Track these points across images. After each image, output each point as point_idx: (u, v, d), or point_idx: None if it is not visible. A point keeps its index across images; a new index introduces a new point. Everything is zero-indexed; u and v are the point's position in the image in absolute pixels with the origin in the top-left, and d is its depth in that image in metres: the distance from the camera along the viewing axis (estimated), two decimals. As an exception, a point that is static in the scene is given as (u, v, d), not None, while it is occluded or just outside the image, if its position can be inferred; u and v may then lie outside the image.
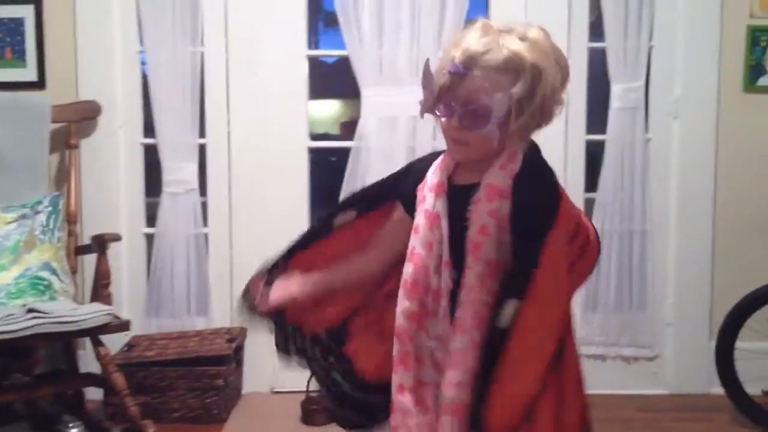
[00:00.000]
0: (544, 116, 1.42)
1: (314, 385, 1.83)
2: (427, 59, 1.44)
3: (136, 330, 3.18)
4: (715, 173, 3.25)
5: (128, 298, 3.33)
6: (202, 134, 3.29)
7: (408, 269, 1.52)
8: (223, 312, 3.32)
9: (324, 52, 4.50)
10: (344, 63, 3.28)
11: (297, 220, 3.31)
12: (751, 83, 3.23)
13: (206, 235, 3.32)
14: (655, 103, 3.28)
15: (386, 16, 3.18)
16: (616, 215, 3.25)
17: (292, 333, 1.78)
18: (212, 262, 3.32)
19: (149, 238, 3.35)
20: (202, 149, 3.30)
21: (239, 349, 3.24)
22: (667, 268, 3.29)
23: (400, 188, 1.61)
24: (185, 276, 3.28)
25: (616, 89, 3.22)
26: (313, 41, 5.36)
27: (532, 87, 1.36)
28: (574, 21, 3.24)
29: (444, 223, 1.47)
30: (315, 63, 3.47)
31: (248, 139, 3.28)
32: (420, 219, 1.51)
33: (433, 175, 1.53)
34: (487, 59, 1.36)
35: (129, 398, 2.72)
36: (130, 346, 3.14)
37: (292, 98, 3.30)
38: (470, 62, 1.36)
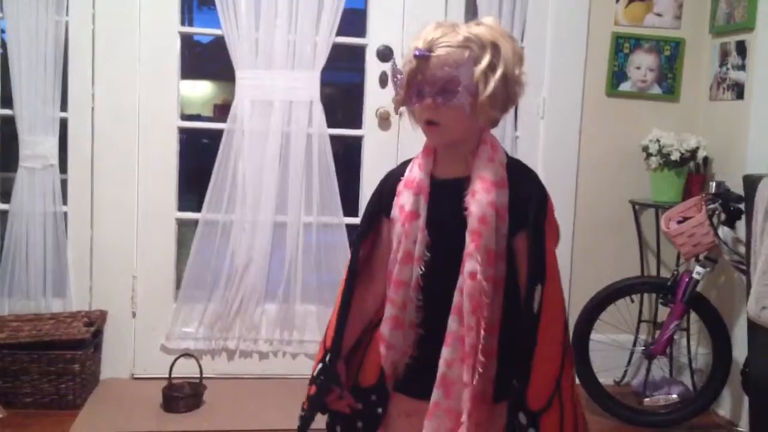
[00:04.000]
0: (508, 95, 1.50)
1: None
2: (393, 59, 1.54)
3: (-15, 311, 3.03)
4: (577, 173, 3.40)
5: (-23, 277, 3.16)
6: (64, 108, 3.14)
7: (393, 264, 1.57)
8: (81, 295, 3.20)
9: (198, 30, 4.37)
10: (219, 44, 3.21)
11: (164, 202, 3.24)
12: (613, 88, 3.39)
13: (65, 214, 3.17)
14: (524, 102, 3.38)
15: (264, -3, 3.14)
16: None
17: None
18: (71, 243, 3.18)
19: (3, 214, 3.17)
20: (64, 124, 3.15)
21: (98, 334, 3.13)
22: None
23: (383, 202, 1.62)
24: (41, 256, 3.13)
25: (487, 86, 3.29)
26: (187, 19, 5.21)
27: (493, 61, 1.46)
28: (450, 17, 3.29)
29: (421, 222, 1.52)
30: (189, 42, 3.38)
31: (114, 116, 3.16)
32: (395, 212, 1.56)
33: (410, 172, 1.57)
34: (446, 40, 1.46)
35: (-25, 382, 2.59)
36: (-22, 328, 2.98)
37: (162, 75, 3.20)
38: (431, 45, 1.46)
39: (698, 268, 2.96)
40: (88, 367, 3.00)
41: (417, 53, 1.45)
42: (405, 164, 1.62)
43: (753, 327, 2.62)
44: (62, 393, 2.92)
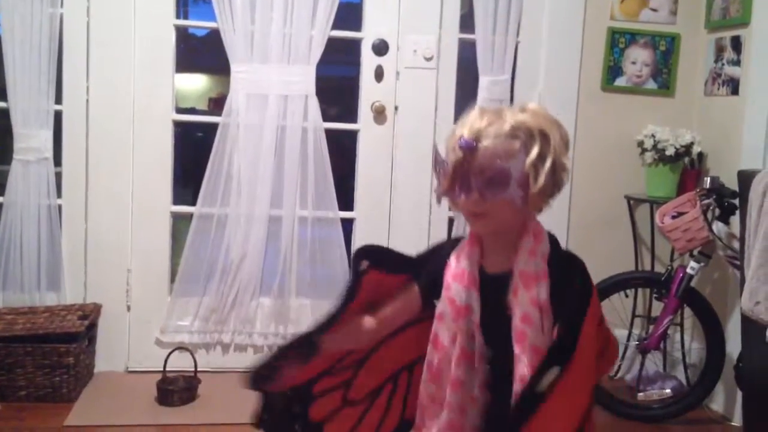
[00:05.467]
0: (555, 183, 1.44)
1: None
2: (435, 145, 1.46)
3: (-21, 304, 3.02)
4: (572, 167, 3.39)
5: (-29, 270, 3.15)
6: (58, 100, 3.13)
7: (433, 356, 1.52)
8: (75, 288, 3.20)
9: (193, 23, 4.36)
10: (214, 37, 3.20)
11: (159, 196, 3.23)
12: (608, 83, 3.39)
13: (60, 207, 3.17)
14: (520, 97, 3.38)
15: (260, -10, 3.13)
16: (479, 204, 3.33)
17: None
18: (65, 236, 3.18)
19: (-3, 207, 3.16)
20: (58, 116, 3.14)
21: (92, 327, 3.12)
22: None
23: (423, 270, 1.58)
24: (36, 249, 3.13)
25: (483, 81, 3.30)
26: (182, 12, 5.20)
27: (543, 150, 1.39)
28: (446, 12, 3.29)
29: (475, 318, 1.46)
30: (184, 35, 3.37)
31: (108, 108, 3.15)
32: (444, 307, 1.50)
33: (457, 263, 1.51)
34: (493, 130, 1.39)
35: (-31, 376, 2.58)
36: (-29, 321, 2.97)
37: (157, 68, 3.19)
38: (478, 135, 1.39)
39: (692, 263, 2.97)
40: (83, 361, 3.00)
41: (463, 144, 1.38)
42: (453, 243, 1.56)
43: (746, 322, 2.62)
44: (56, 386, 2.92)
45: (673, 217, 2.98)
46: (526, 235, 1.45)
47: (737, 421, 2.99)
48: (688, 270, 2.96)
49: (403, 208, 3.35)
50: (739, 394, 2.89)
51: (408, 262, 1.60)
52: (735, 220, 2.89)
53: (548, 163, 1.39)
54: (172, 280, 3.30)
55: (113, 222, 3.20)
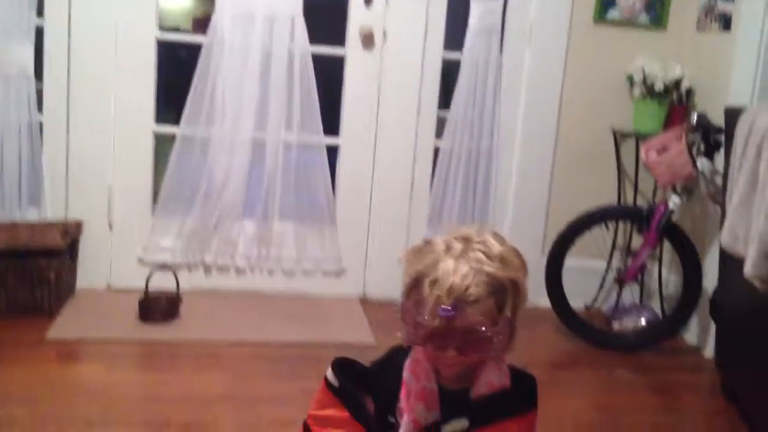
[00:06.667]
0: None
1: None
2: (402, 301, 1.41)
3: (-41, 219, 3.00)
4: (561, 99, 3.38)
5: (-49, 185, 3.12)
6: (40, 14, 3.05)
7: None
8: (57, 204, 3.18)
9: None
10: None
11: (141, 114, 3.20)
12: (601, 15, 3.35)
13: (41, 124, 3.12)
14: (511, 27, 3.34)
15: None
16: (466, 133, 3.33)
17: None
18: (47, 152, 3.14)
19: (-23, 121, 3.11)
20: (39, 32, 3.07)
21: (74, 244, 3.12)
22: (509, 187, 3.43)
23: (375, 386, 1.52)
24: (16, 165, 3.09)
25: (475, 8, 3.25)
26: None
27: (516, 301, 1.39)
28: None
29: None
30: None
31: (91, 24, 3.09)
32: (408, 428, 1.44)
33: (416, 380, 1.46)
34: (471, 293, 1.34)
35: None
36: (-48, 235, 2.95)
37: (142, -16, 3.12)
38: (459, 301, 1.34)
39: (674, 198, 2.99)
40: (64, 277, 3.01)
41: (444, 315, 1.33)
42: (407, 351, 1.50)
43: (724, 257, 2.66)
44: (38, 300, 2.93)
45: (658, 152, 2.98)
46: (488, 363, 1.45)
47: (708, 352, 3.05)
48: (670, 205, 2.99)
49: (389, 136, 3.34)
50: (713, 327, 2.95)
51: (366, 375, 1.54)
52: (720, 156, 2.90)
53: (520, 311, 1.40)
54: (155, 200, 3.28)
55: (95, 139, 3.16)
